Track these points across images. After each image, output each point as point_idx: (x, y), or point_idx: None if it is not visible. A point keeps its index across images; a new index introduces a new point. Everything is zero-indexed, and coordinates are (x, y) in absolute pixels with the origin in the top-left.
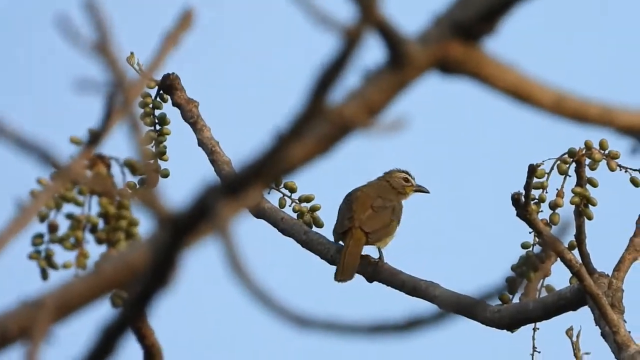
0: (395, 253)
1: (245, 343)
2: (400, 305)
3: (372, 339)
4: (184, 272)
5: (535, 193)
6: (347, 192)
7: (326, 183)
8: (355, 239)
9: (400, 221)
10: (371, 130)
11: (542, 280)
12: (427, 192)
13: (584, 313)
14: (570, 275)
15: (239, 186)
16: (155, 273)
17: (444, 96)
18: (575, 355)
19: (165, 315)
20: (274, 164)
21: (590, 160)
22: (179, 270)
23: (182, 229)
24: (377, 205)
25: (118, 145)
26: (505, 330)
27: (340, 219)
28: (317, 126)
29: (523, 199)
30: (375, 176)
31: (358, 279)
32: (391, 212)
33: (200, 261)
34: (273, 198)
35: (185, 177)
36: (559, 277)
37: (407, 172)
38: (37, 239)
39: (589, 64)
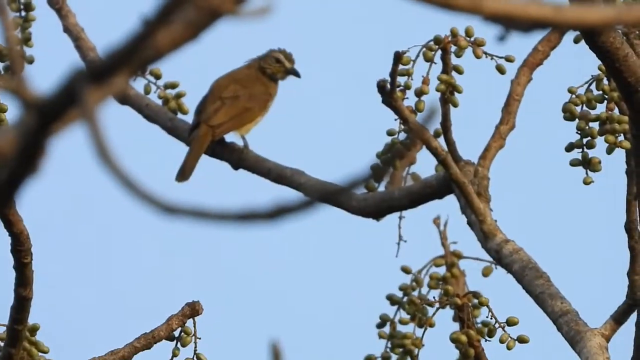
0: (261, 140)
1: (113, 228)
2: (267, 192)
3: (239, 226)
4: (52, 158)
5: (401, 80)
6: (215, 78)
7: (193, 69)
8: (200, 138)
9: (267, 104)
10: (238, 16)
11: (407, 168)
12: (298, 75)
13: (450, 202)
14: (436, 163)
15: (105, 73)
16: (22, 159)
17: None
18: (442, 244)
19: (33, 202)
20: (140, 51)
21: (456, 47)
22: (47, 156)
23: (49, 115)
24: (228, 95)
25: None
26: (371, 219)
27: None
28: (184, 12)
29: (389, 86)
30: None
31: (224, 166)
32: (247, 99)
33: (68, 148)
34: (138, 84)
35: (50, 63)
36: (424, 165)
37: (283, 53)
38: None
39: None
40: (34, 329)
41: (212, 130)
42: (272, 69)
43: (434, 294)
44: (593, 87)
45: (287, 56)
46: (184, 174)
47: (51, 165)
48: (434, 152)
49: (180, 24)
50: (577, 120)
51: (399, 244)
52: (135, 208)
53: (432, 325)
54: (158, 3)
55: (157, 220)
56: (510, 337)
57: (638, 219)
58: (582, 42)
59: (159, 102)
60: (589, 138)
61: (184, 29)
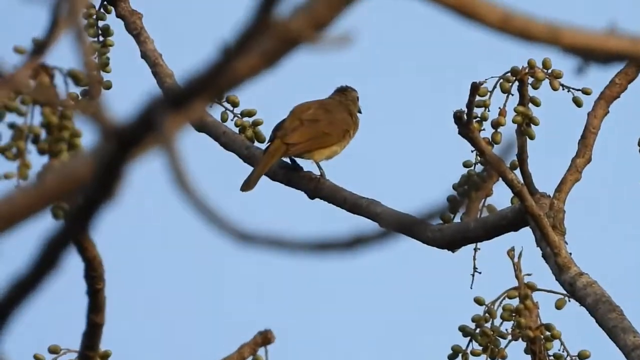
0: (337, 170)
1: (188, 256)
2: (342, 223)
3: (314, 256)
4: (128, 185)
5: (478, 111)
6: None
7: (270, 98)
8: (271, 150)
9: (348, 135)
10: (318, 45)
11: (483, 200)
12: (359, 112)
13: (525, 234)
14: (512, 195)
15: (184, 100)
16: (99, 185)
17: (391, 12)
18: (517, 276)
19: (108, 228)
20: (219, 78)
21: (533, 79)
22: (123, 183)
23: (127, 141)
24: (308, 117)
25: (62, 55)
26: (446, 250)
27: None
28: (263, 40)
29: (465, 117)
30: (323, 91)
31: (300, 195)
32: (326, 124)
33: (145, 174)
34: (215, 112)
35: (127, 89)
36: (500, 197)
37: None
38: None
39: None
40: (105, 356)
41: (285, 147)
42: (353, 105)
43: (507, 326)
44: None
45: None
46: (248, 184)
47: (128, 192)
48: (510, 184)
49: (259, 51)
50: None
51: (473, 275)
52: (211, 235)
53: (504, 357)
54: (238, 30)
55: (233, 248)
56: None
57: None
58: None
59: (236, 130)
60: None
61: (262, 57)
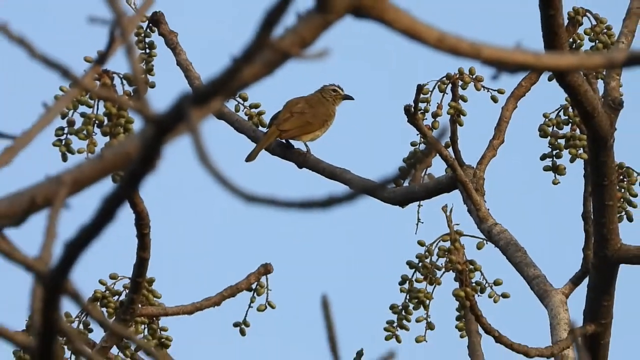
0: (319, 147)
1: (211, 212)
2: (322, 186)
3: (301, 211)
4: (165, 159)
5: (422, 105)
6: (288, 99)
7: (270, 94)
8: (268, 134)
9: (327, 123)
10: (302, 58)
11: (425, 170)
12: (352, 98)
13: (455, 195)
14: (446, 166)
15: (206, 96)
16: (143, 160)
17: (359, 34)
18: (448, 225)
19: (151, 190)
20: (232, 81)
21: (462, 82)
22: (161, 158)
23: (163, 127)
24: (296, 111)
25: (119, 63)
26: (398, 206)
27: None
28: (263, 54)
29: (412, 109)
30: (308, 90)
31: (291, 166)
32: (311, 116)
33: (177, 151)
34: (230, 105)
35: (166, 88)
36: (437, 168)
37: (336, 85)
38: (59, 130)
39: (463, 13)
40: (150, 281)
41: (279, 132)
42: (331, 98)
43: (442, 261)
44: (561, 113)
45: (339, 87)
46: (250, 157)
47: (164, 164)
48: (445, 158)
49: (259, 62)
50: (549, 137)
51: (417, 224)
52: (226, 197)
53: (439, 284)
54: (244, 47)
55: (242, 206)
56: (496, 294)
57: (591, 210)
58: (554, 80)
59: (245, 118)
60: (557, 151)
61: (262, 66)
